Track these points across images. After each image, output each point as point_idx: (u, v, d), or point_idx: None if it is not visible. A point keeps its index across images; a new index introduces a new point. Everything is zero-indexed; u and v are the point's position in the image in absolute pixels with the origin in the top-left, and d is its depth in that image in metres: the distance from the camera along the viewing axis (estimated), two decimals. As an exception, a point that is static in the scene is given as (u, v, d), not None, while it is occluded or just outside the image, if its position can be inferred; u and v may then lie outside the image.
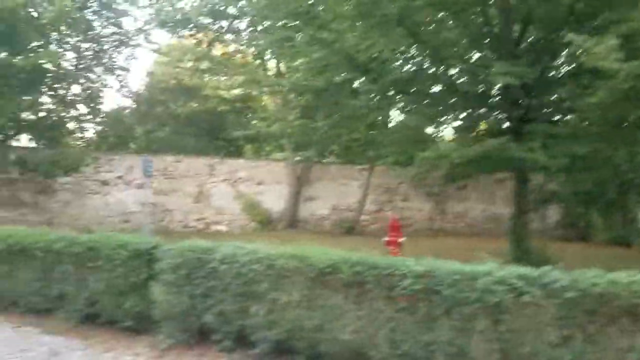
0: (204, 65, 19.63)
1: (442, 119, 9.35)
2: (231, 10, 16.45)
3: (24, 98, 15.86)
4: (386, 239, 7.26)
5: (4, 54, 14.11)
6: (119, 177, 16.54)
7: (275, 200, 17.32)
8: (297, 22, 8.47)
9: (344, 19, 7.76)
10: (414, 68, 9.45)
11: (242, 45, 18.04)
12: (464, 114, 9.46)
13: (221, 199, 17.14)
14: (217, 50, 19.45)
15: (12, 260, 7.13)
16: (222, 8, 15.79)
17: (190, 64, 20.04)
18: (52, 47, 15.43)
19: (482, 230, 17.90)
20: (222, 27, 16.78)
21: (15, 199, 15.54)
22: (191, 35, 17.58)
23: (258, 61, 17.72)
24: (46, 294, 6.78)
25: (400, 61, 9.30)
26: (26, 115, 16.69)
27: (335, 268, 4.75)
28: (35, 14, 14.45)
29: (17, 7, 13.05)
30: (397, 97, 9.28)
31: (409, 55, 8.98)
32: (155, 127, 19.63)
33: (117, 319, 6.18)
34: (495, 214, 18.21)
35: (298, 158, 17.25)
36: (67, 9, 13.96)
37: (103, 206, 16.30)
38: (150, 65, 21.42)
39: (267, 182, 17.52)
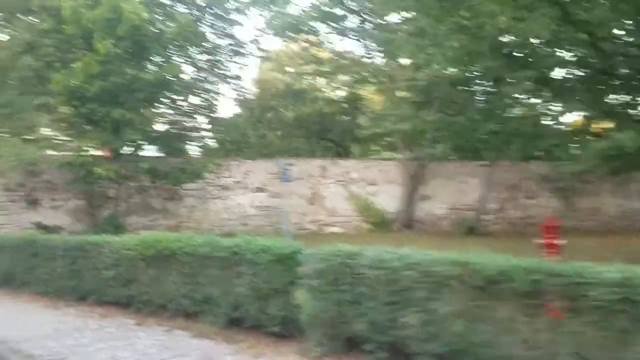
0: (312, 68, 19.82)
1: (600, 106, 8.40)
2: (338, 11, 16.39)
3: (152, 111, 17.01)
4: (541, 240, 6.62)
5: (132, 70, 15.11)
6: (237, 182, 17.09)
7: (389, 200, 16.96)
8: (438, 10, 7.92)
9: (491, 2, 7.15)
10: (567, 55, 8.52)
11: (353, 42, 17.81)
12: (624, 100, 8.45)
13: (334, 200, 17.10)
14: (325, 53, 19.52)
15: (161, 264, 7.45)
16: (330, 9, 15.75)
17: (298, 68, 20.29)
18: (174, 60, 16.29)
19: (617, 227, 16.24)
20: (333, 29, 16.74)
21: (147, 205, 16.59)
22: (300, 40, 17.76)
23: (369, 60, 17.45)
24: (193, 297, 6.98)
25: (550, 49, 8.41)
26: (151, 127, 17.87)
27: (506, 276, 4.29)
28: (158, 30, 15.32)
29: (143, 24, 13.88)
30: (545, 86, 8.49)
31: (561, 38, 8.13)
32: (267, 131, 20.09)
33: (262, 323, 6.16)
34: (633, 210, 16.48)
35: (413, 155, 16.69)
36: (187, 23, 14.67)
37: (224, 210, 16.93)
38: (260, 72, 22.02)
39: (380, 182, 17.20)
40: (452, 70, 8.57)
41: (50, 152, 15.34)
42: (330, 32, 16.99)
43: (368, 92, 21.39)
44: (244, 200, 16.96)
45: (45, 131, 16.21)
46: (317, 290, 5.62)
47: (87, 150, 14.87)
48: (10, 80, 16.06)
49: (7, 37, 16.67)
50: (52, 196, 16.12)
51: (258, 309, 6.23)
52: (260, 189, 17.03)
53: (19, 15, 16.06)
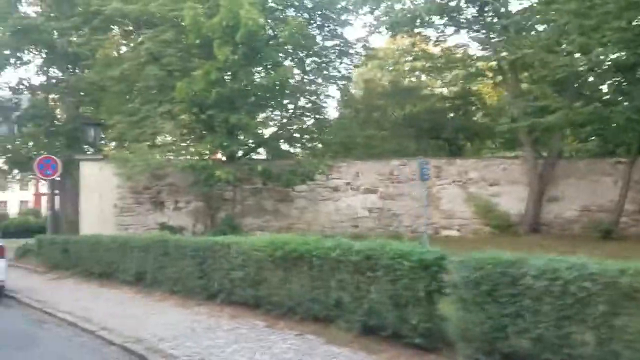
0: (422, 64, 19.11)
1: None
2: (454, 3, 15.57)
3: (263, 115, 17.32)
4: None
5: (247, 75, 15.44)
6: (347, 183, 16.84)
7: (512, 201, 15.80)
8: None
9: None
10: None
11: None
12: None
13: (451, 202, 16.26)
14: (435, 48, 18.73)
15: (289, 266, 7.29)
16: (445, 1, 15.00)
17: (407, 65, 19.67)
18: (285, 64, 16.43)
19: None
20: (448, 22, 15.96)
21: (260, 207, 16.88)
22: (411, 35, 17.14)
23: (487, 52, 16.42)
24: (323, 301, 6.71)
25: None
26: (261, 130, 18.21)
27: None
28: (271, 34, 15.53)
29: (259, 30, 14.08)
30: None
31: None
32: (374, 131, 19.66)
33: (403, 333, 5.72)
34: None
35: (542, 152, 15.39)
36: (299, 26, 14.68)
37: (334, 211, 16.76)
38: (367, 71, 21.67)
39: (502, 182, 16.08)
40: (614, 54, 7.58)
41: (173, 156, 16.10)
42: (444, 25, 16.16)
43: (484, 87, 20.26)
44: (355, 202, 16.68)
45: (168, 137, 17.05)
46: (469, 301, 5.07)
47: (207, 155, 15.42)
48: (135, 90, 17.17)
49: (132, 49, 17.86)
50: (175, 198, 16.94)
51: (397, 317, 5.80)
52: (370, 190, 16.64)
53: (142, 28, 17.09)
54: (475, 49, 17.66)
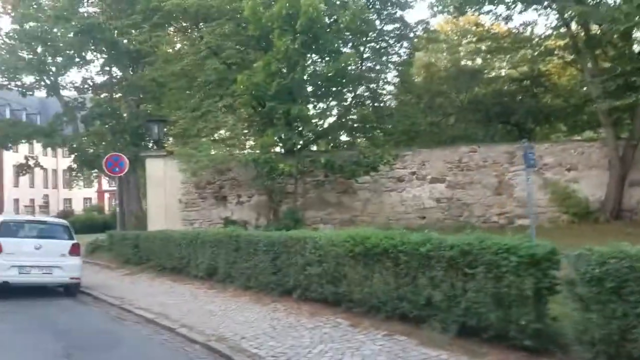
0: (487, 45, 18.19)
1: None
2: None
3: (323, 105, 16.96)
4: None
5: (308, 64, 15.12)
6: (413, 173, 16.25)
7: (591, 187, 14.78)
8: None
9: None
10: None
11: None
12: None
13: (525, 189, 15.35)
14: (505, 25, 17.72)
15: (369, 263, 6.92)
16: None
17: (471, 47, 18.78)
18: (346, 50, 15.97)
19: None
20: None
21: (322, 200, 16.57)
22: (476, 15, 16.28)
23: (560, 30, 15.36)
24: (412, 300, 6.29)
25: None
26: (323, 121, 17.87)
27: None
28: (331, 20, 15.09)
29: (319, 16, 13.70)
30: None
31: None
32: (438, 118, 18.93)
33: (508, 334, 5.23)
34: None
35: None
36: (360, 11, 14.20)
37: (399, 203, 16.23)
38: (428, 55, 20.87)
39: (580, 167, 15.06)
40: None
41: (235, 150, 16.04)
42: (514, 1, 15.18)
43: (553, 67, 19.09)
44: (421, 192, 16.06)
45: (227, 132, 17.01)
46: (589, 299, 4.54)
47: (270, 148, 15.25)
48: (195, 85, 17.20)
49: (191, 44, 17.90)
50: (237, 192, 16.91)
51: (501, 318, 5.31)
52: (438, 180, 15.97)
53: (201, 23, 17.07)
54: (543, 27, 16.60)
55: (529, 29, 17.10)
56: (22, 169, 26.03)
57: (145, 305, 9.03)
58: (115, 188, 46.05)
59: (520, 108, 17.81)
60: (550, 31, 16.33)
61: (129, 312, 8.91)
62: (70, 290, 10.67)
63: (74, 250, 10.63)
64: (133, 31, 18.57)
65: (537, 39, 17.20)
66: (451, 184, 15.80)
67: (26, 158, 25.69)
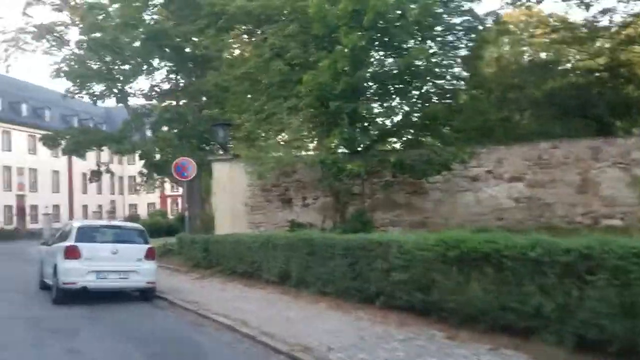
0: (562, 35, 17.06)
1: None
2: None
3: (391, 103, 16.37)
4: None
5: (377, 61, 14.61)
6: (489, 172, 15.39)
7: (690, 184, 13.46)
8: None
9: None
10: None
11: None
12: None
13: (612, 187, 14.19)
14: (577, 16, 16.62)
15: (465, 269, 6.36)
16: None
17: (544, 37, 17.68)
18: (416, 44, 15.33)
19: None
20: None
21: (390, 201, 15.99)
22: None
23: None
24: (519, 310, 5.68)
25: None
26: (389, 119, 17.27)
27: None
28: (399, 13, 14.51)
29: (387, 10, 13.20)
30: None
31: None
32: (512, 113, 17.91)
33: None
34: None
35: None
36: (430, 4, 13.57)
37: (474, 203, 15.41)
38: (498, 47, 19.85)
39: (675, 163, 13.78)
40: None
41: (300, 152, 15.77)
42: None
43: (634, 56, 17.68)
44: (498, 192, 15.17)
45: (295, 133, 16.74)
46: None
47: (336, 148, 14.86)
48: (259, 87, 17.08)
49: (255, 47, 17.81)
50: (302, 195, 16.63)
51: (629, 330, 4.65)
52: (516, 178, 15.03)
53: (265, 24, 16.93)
54: (622, 14, 15.35)
55: (606, 17, 15.89)
56: (94, 175, 26.99)
57: (222, 310, 8.81)
58: (177, 193, 47.65)
59: (600, 101, 16.54)
60: (631, 19, 15.13)
61: (205, 317, 8.71)
62: (146, 294, 10.65)
63: (150, 255, 10.62)
64: (195, 38, 18.73)
65: (616, 28, 16.02)
66: (531, 182, 14.83)
67: (98, 165, 26.63)
